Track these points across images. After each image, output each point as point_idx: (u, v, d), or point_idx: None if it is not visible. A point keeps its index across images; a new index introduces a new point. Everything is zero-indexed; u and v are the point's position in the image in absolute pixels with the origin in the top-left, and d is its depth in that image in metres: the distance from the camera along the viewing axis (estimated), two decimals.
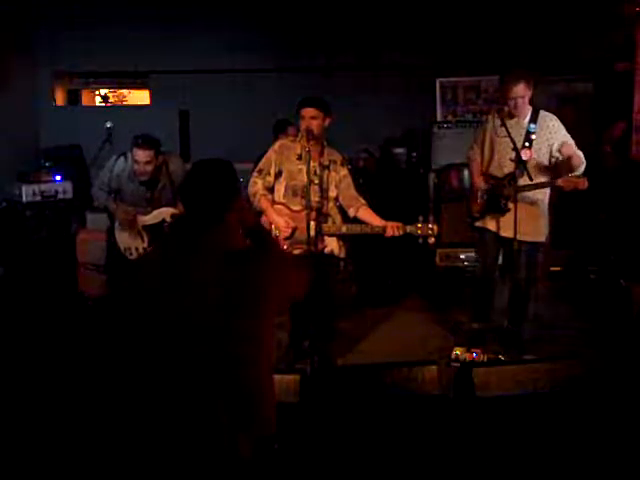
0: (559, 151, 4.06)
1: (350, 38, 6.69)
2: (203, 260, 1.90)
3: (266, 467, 1.95)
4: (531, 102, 4.13)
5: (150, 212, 4.40)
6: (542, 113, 4.15)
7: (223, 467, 1.87)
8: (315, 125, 3.83)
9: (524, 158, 4.00)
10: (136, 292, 1.96)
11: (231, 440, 1.87)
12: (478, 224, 4.36)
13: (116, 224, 4.44)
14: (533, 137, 4.08)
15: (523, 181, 4.07)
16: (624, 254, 5.46)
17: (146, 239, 4.39)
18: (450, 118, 6.78)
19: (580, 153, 4.03)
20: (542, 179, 4.09)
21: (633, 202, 5.51)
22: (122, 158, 4.35)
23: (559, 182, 3.92)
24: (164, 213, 4.38)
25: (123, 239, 4.41)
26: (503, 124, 4.04)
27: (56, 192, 5.73)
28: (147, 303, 1.92)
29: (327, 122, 3.92)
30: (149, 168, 4.24)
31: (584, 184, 3.86)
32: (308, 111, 3.86)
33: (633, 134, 5.89)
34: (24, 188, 5.54)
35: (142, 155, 4.19)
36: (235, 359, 1.89)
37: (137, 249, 4.39)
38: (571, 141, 4.09)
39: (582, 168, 4.02)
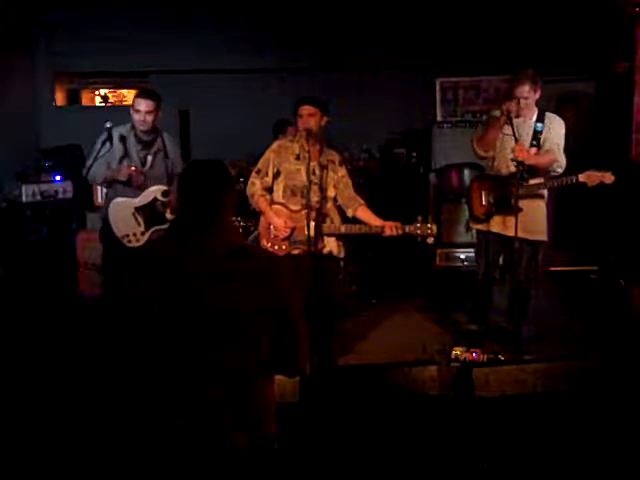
0: (545, 147, 4.10)
1: (350, 38, 6.68)
2: (202, 260, 1.91)
3: (266, 467, 1.95)
4: (536, 103, 4.15)
5: (142, 191, 4.28)
6: (548, 114, 4.17)
7: (222, 466, 1.87)
8: (312, 123, 3.84)
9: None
10: (134, 294, 1.96)
11: (231, 439, 1.87)
12: (480, 227, 4.35)
13: (110, 212, 4.31)
14: (540, 136, 4.09)
15: (531, 180, 4.09)
16: (624, 254, 5.46)
17: (142, 222, 4.29)
18: (450, 118, 6.78)
19: (560, 157, 4.04)
20: (540, 177, 4.11)
21: (633, 202, 5.51)
22: (107, 143, 4.22)
23: (582, 178, 3.91)
24: (155, 192, 4.29)
25: (119, 226, 4.30)
26: (510, 122, 4.03)
27: (56, 192, 5.73)
28: (146, 304, 1.92)
29: (324, 121, 3.92)
30: (149, 118, 4.20)
31: (610, 178, 3.84)
32: (305, 109, 3.86)
33: (633, 134, 5.89)
34: (24, 188, 5.54)
35: (144, 104, 4.16)
36: (235, 358, 1.89)
37: (135, 235, 4.28)
38: (560, 142, 4.09)
39: (555, 166, 4.04)
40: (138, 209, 4.29)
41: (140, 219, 4.29)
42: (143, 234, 4.29)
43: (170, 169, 4.34)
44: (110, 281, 4.48)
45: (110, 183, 4.33)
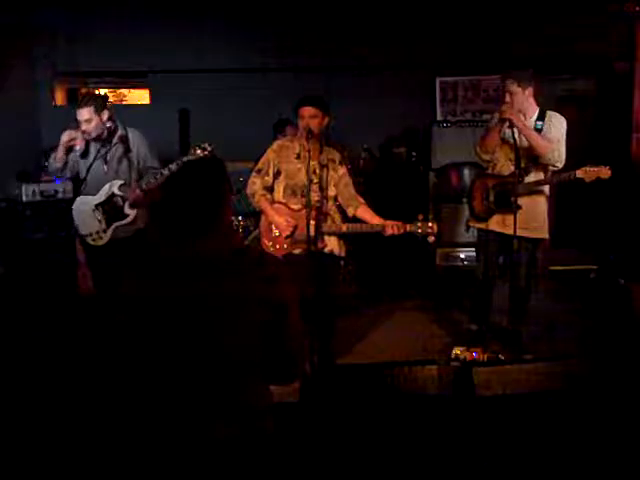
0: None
1: (350, 38, 6.68)
2: (203, 262, 1.90)
3: (266, 467, 1.95)
4: (537, 102, 4.15)
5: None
6: (550, 112, 4.17)
7: (221, 466, 1.87)
8: (314, 124, 3.84)
9: (533, 154, 4.03)
10: (132, 296, 1.95)
11: (229, 439, 1.87)
12: (480, 226, 4.35)
13: (73, 210, 4.33)
14: (541, 135, 4.09)
15: (529, 178, 4.09)
16: (624, 254, 5.46)
17: (102, 220, 4.25)
18: (450, 117, 6.78)
19: (559, 151, 4.04)
20: (539, 174, 4.11)
21: (633, 201, 5.51)
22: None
23: (579, 173, 3.91)
24: (112, 186, 4.25)
25: (82, 225, 4.30)
26: (511, 125, 4.03)
27: (56, 192, 5.72)
28: (144, 306, 1.91)
29: (326, 121, 3.93)
30: (90, 126, 4.19)
31: (607, 173, 3.84)
32: (307, 110, 3.86)
33: (633, 133, 5.90)
34: (24, 188, 5.53)
35: (80, 114, 4.20)
36: (231, 360, 1.88)
37: (98, 233, 4.26)
38: (558, 136, 4.09)
39: (551, 159, 4.03)
40: (97, 206, 4.27)
41: (100, 217, 4.27)
42: (105, 232, 4.27)
43: (137, 163, 4.29)
44: (100, 280, 4.47)
45: (81, 180, 4.33)
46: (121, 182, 4.24)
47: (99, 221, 4.27)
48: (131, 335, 1.94)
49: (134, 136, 4.34)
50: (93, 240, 4.28)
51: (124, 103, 7.81)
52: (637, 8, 5.76)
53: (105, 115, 4.23)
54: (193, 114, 6.72)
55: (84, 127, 4.20)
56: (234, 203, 5.44)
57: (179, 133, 6.75)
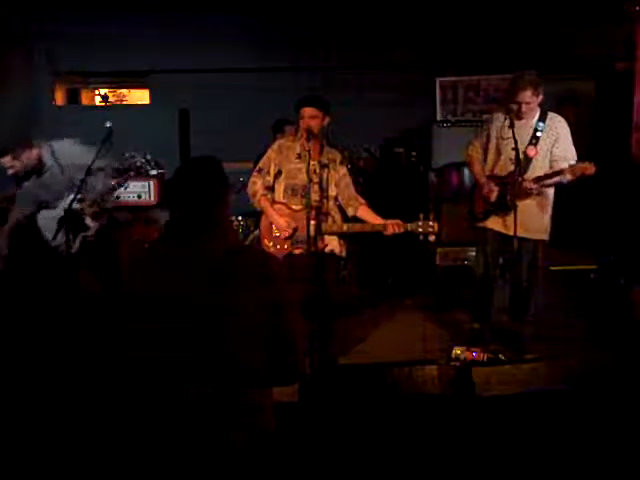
0: (556, 154, 4.10)
1: (350, 38, 6.69)
2: (202, 261, 1.90)
3: (265, 466, 1.95)
4: (539, 104, 4.15)
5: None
6: (551, 114, 4.17)
7: (219, 466, 1.87)
8: (314, 124, 3.84)
9: (530, 155, 4.03)
10: (133, 293, 1.95)
11: (228, 438, 1.87)
12: (480, 224, 4.35)
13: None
14: (539, 134, 4.09)
15: (526, 178, 4.09)
16: (624, 254, 5.46)
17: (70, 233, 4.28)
18: (450, 117, 6.78)
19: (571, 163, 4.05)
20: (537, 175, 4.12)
21: (633, 202, 5.51)
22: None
23: (567, 172, 3.92)
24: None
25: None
26: (512, 125, 4.02)
27: None
28: (145, 303, 1.91)
29: (326, 121, 3.93)
30: (11, 171, 4.30)
31: (591, 170, 3.85)
32: (307, 110, 3.86)
33: (633, 133, 5.89)
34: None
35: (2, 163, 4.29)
36: (231, 357, 1.89)
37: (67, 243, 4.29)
38: (568, 153, 4.09)
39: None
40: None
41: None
42: (74, 242, 4.35)
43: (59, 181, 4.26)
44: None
45: None
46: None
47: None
48: (131, 334, 1.94)
49: (59, 146, 4.31)
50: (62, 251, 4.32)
51: (124, 103, 7.81)
52: (637, 8, 5.76)
53: (28, 154, 4.26)
54: (193, 114, 6.72)
55: (10, 172, 4.29)
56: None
57: (179, 133, 6.76)
